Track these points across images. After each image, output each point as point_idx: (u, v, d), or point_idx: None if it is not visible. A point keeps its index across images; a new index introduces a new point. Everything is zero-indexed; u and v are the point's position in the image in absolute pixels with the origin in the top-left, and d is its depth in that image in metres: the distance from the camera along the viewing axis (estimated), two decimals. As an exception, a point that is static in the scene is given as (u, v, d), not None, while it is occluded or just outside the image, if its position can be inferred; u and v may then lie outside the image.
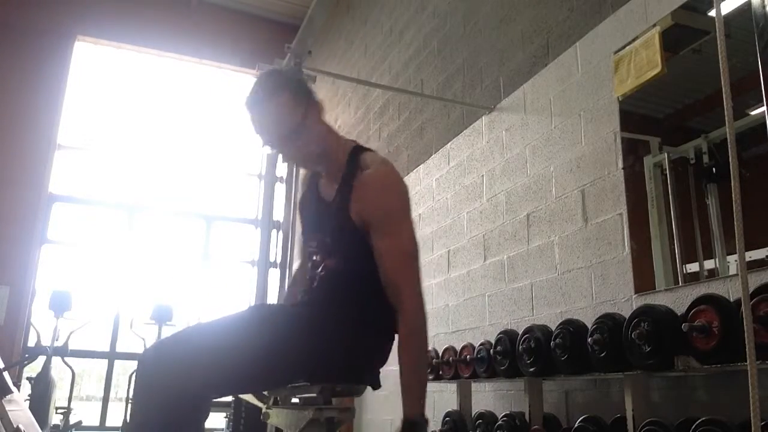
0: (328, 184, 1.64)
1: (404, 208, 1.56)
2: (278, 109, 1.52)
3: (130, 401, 4.77)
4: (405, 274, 1.49)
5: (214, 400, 1.45)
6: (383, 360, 1.58)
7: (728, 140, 1.16)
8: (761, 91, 1.91)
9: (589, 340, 2.14)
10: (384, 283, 1.49)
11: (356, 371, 1.53)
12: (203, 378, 1.33)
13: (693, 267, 2.21)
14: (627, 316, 2.04)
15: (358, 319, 1.51)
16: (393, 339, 1.57)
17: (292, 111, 1.52)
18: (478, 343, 2.88)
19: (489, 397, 3.12)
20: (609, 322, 2.10)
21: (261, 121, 1.55)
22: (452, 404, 3.13)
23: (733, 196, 1.14)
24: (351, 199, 1.53)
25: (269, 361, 1.41)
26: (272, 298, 4.41)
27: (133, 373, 4.55)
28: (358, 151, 1.62)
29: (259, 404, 1.73)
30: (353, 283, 1.55)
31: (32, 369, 4.98)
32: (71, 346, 4.97)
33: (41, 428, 3.23)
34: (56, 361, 4.83)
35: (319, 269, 1.60)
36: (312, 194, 1.71)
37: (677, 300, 2.13)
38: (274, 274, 4.57)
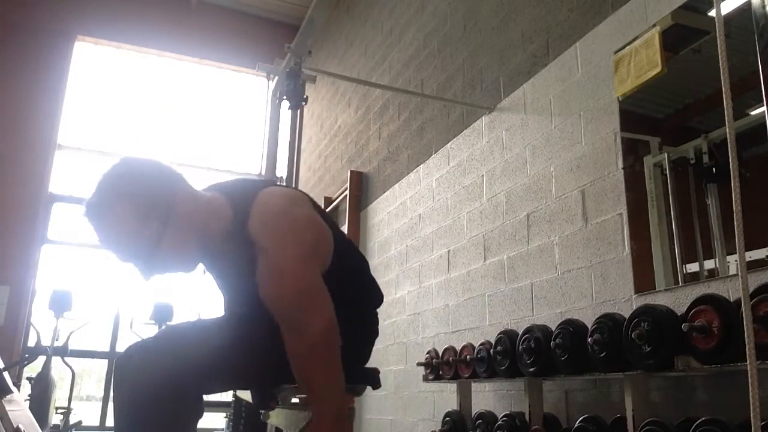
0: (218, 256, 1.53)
1: (278, 224, 1.40)
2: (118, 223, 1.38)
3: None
4: (278, 293, 1.35)
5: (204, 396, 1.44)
6: (361, 351, 1.56)
7: (728, 140, 1.16)
8: (761, 91, 1.90)
9: (589, 340, 2.14)
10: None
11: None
12: (189, 374, 1.32)
13: (693, 267, 2.21)
14: (627, 316, 2.03)
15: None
16: (365, 327, 1.56)
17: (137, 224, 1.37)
18: (478, 343, 2.88)
19: (489, 397, 3.12)
20: (609, 322, 2.10)
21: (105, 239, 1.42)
22: (452, 404, 3.13)
23: (733, 196, 1.14)
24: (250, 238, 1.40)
25: (246, 361, 1.40)
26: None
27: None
28: (236, 203, 1.47)
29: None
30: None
31: (32, 369, 4.98)
32: (71, 346, 4.97)
33: (41, 428, 3.23)
34: (56, 361, 4.83)
35: None
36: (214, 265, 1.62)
37: (677, 300, 2.13)
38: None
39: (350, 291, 1.55)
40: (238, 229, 1.42)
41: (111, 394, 5.99)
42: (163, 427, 1.28)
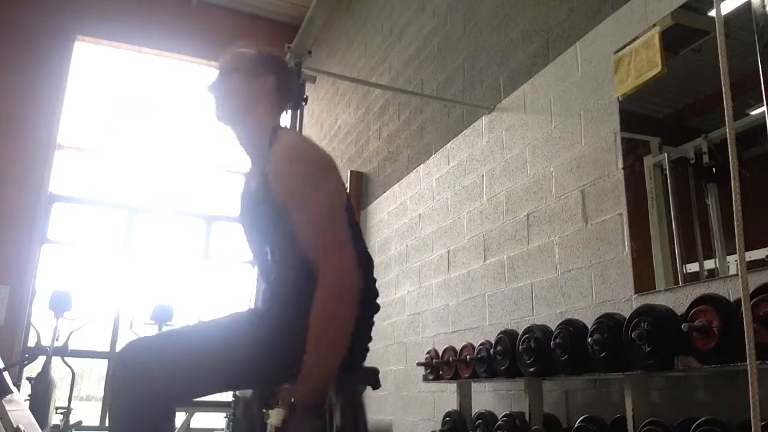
0: (254, 174, 1.60)
1: (314, 176, 1.43)
2: (227, 88, 1.58)
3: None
4: (322, 244, 1.35)
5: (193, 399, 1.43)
6: (359, 349, 1.55)
7: (728, 140, 1.16)
8: (761, 91, 1.91)
9: (589, 340, 2.14)
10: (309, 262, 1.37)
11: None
12: (178, 378, 1.32)
13: (693, 267, 2.21)
14: (627, 316, 2.04)
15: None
16: (364, 324, 1.54)
17: (236, 93, 1.57)
18: (478, 343, 2.88)
19: (489, 397, 3.12)
20: (609, 322, 2.10)
21: (214, 96, 1.61)
22: (452, 404, 3.13)
23: (733, 196, 1.14)
24: (269, 180, 1.46)
25: (249, 364, 1.39)
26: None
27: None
28: (276, 130, 1.56)
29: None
30: (301, 278, 1.42)
31: (32, 369, 4.98)
32: (71, 346, 4.97)
33: (41, 428, 3.23)
34: (56, 361, 4.83)
35: (270, 275, 1.56)
36: (245, 192, 1.65)
37: (677, 300, 2.13)
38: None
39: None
40: (264, 162, 1.50)
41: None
42: (152, 426, 1.29)
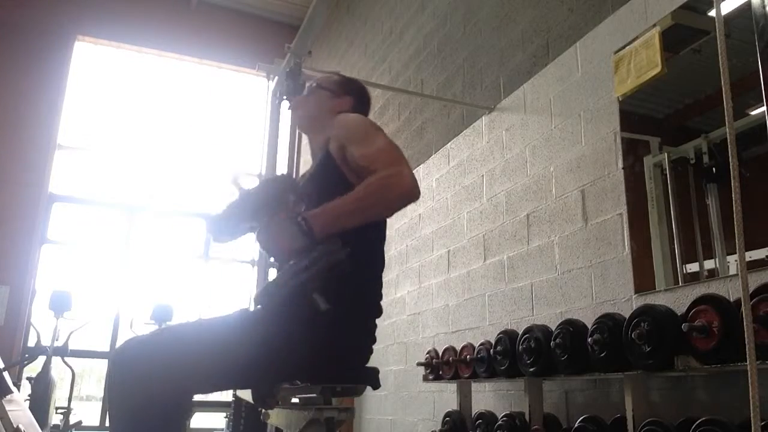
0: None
1: (380, 130, 1.54)
2: (311, 103, 1.75)
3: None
4: (394, 160, 1.44)
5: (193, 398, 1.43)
6: (365, 348, 1.55)
7: (728, 140, 1.16)
8: (761, 91, 1.91)
9: (589, 340, 2.14)
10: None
11: (342, 365, 1.49)
12: (180, 377, 1.32)
13: (693, 267, 2.21)
14: (627, 316, 2.04)
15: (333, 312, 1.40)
16: (370, 322, 1.55)
17: (317, 108, 1.73)
18: (478, 343, 2.88)
19: (489, 397, 3.12)
20: (609, 322, 2.10)
21: (298, 110, 1.78)
22: (452, 404, 3.13)
23: (733, 196, 1.14)
24: (329, 144, 1.56)
25: (249, 363, 1.39)
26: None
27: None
28: None
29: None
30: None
31: (32, 369, 4.98)
32: (71, 346, 4.96)
33: (41, 428, 3.23)
34: (56, 361, 4.83)
35: None
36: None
37: (677, 300, 2.13)
38: (274, 274, 4.56)
39: (366, 279, 1.55)
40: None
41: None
42: (152, 425, 1.28)
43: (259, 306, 1.43)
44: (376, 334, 1.61)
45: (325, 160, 1.57)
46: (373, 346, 1.59)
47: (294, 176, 1.75)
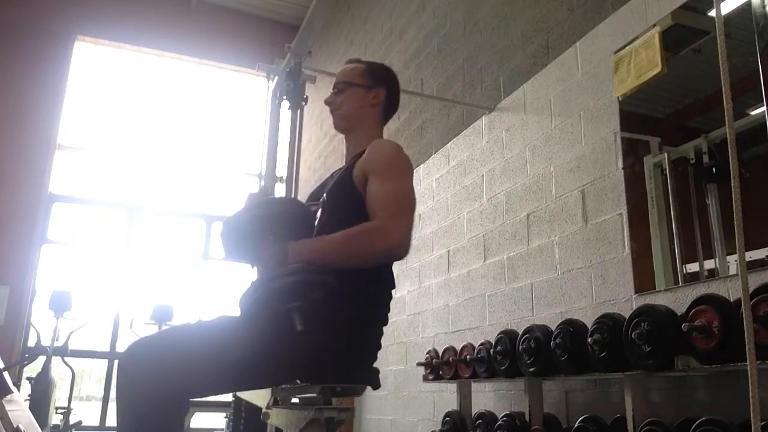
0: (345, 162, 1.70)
1: (407, 169, 1.54)
2: (344, 101, 1.72)
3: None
4: (395, 213, 1.42)
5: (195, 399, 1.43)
6: (372, 345, 1.55)
7: (728, 140, 1.16)
8: (761, 91, 1.90)
9: (589, 340, 2.14)
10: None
11: (346, 369, 1.50)
12: (185, 377, 1.32)
13: (693, 267, 2.21)
14: (627, 316, 2.03)
15: (339, 311, 1.45)
16: (378, 324, 1.55)
17: (352, 105, 1.70)
18: (478, 343, 2.88)
19: (489, 397, 3.12)
20: (609, 322, 2.10)
21: (331, 108, 1.75)
22: (452, 404, 3.13)
23: (733, 196, 1.13)
24: (357, 164, 1.56)
25: (254, 363, 1.39)
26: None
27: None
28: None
29: (259, 404, 1.73)
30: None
31: (32, 369, 4.98)
32: (71, 346, 4.97)
33: (41, 428, 3.23)
34: (56, 361, 4.83)
35: None
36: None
37: (677, 300, 2.13)
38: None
39: (379, 291, 1.56)
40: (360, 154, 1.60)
41: (111, 394, 6.01)
42: (155, 424, 1.29)
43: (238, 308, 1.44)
44: (383, 333, 1.62)
45: (345, 180, 1.57)
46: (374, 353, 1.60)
47: (296, 200, 1.72)
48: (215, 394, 1.55)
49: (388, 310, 1.61)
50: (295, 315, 1.30)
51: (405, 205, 1.46)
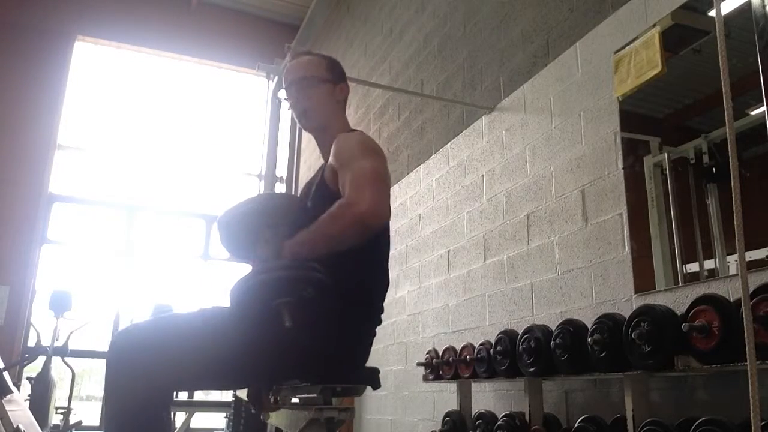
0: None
1: (371, 149, 1.53)
2: (314, 99, 1.67)
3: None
4: (359, 185, 1.40)
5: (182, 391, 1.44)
6: (363, 346, 1.55)
7: (728, 140, 1.16)
8: (761, 91, 1.90)
9: (589, 340, 2.14)
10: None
11: (336, 366, 1.49)
12: (170, 370, 1.32)
13: (693, 267, 2.21)
14: (627, 316, 2.03)
15: (330, 309, 1.44)
16: (369, 323, 1.55)
17: (322, 103, 1.67)
18: (478, 343, 2.88)
19: (489, 397, 3.12)
20: (609, 322, 2.10)
21: (298, 108, 1.70)
22: (452, 404, 3.13)
23: (733, 196, 1.14)
24: (327, 165, 1.57)
25: (240, 360, 1.39)
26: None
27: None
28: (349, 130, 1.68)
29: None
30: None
31: (32, 369, 4.98)
32: (71, 346, 4.97)
33: (41, 428, 3.23)
34: (56, 361, 4.83)
35: None
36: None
37: (677, 300, 2.13)
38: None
39: (367, 284, 1.56)
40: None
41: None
42: (135, 415, 1.29)
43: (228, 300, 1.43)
44: (375, 334, 1.61)
45: (322, 184, 1.58)
46: (373, 347, 1.59)
47: (291, 195, 1.74)
48: (201, 389, 1.56)
49: (382, 310, 1.59)
50: (285, 311, 1.29)
51: (370, 176, 1.43)
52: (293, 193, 4.39)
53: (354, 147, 1.53)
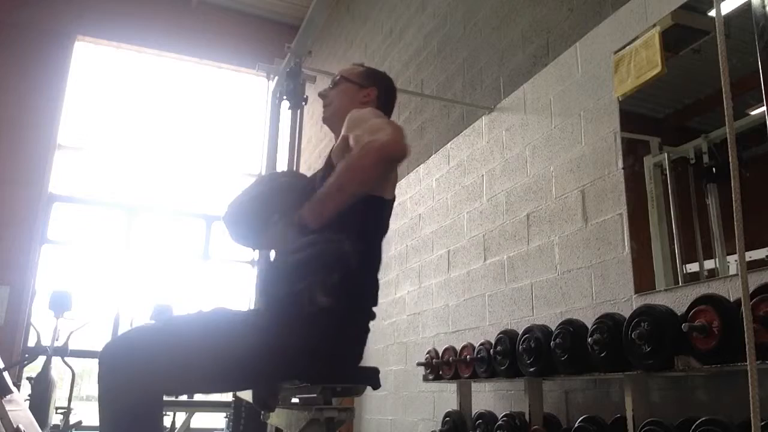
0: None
1: (378, 114, 1.54)
2: (336, 94, 1.74)
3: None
4: (373, 131, 1.39)
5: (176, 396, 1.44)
6: (361, 344, 1.54)
7: (728, 140, 1.16)
8: (761, 91, 1.90)
9: (589, 340, 2.14)
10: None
11: (332, 366, 1.48)
12: (172, 373, 1.32)
13: (693, 267, 2.21)
14: (627, 316, 2.04)
15: (327, 310, 1.39)
16: (362, 326, 1.54)
17: (342, 99, 1.72)
18: (478, 343, 2.88)
19: (489, 397, 3.12)
20: (609, 322, 2.10)
21: (323, 101, 1.77)
22: (452, 404, 3.13)
23: (733, 196, 1.14)
24: (333, 147, 1.57)
25: (243, 362, 1.38)
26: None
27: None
28: None
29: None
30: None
31: (32, 369, 4.98)
32: (71, 346, 4.97)
33: (41, 428, 3.23)
34: (56, 361, 4.83)
35: None
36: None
37: (677, 300, 2.13)
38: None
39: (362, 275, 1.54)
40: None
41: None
42: (127, 421, 1.29)
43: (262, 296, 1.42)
44: (374, 334, 1.61)
45: (329, 165, 1.56)
46: (373, 347, 1.59)
47: (297, 172, 1.73)
48: (202, 392, 1.56)
49: (375, 303, 1.58)
50: (317, 289, 1.26)
51: (385, 123, 1.45)
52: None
53: (366, 112, 1.56)
